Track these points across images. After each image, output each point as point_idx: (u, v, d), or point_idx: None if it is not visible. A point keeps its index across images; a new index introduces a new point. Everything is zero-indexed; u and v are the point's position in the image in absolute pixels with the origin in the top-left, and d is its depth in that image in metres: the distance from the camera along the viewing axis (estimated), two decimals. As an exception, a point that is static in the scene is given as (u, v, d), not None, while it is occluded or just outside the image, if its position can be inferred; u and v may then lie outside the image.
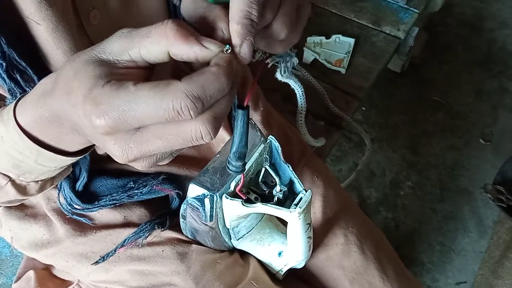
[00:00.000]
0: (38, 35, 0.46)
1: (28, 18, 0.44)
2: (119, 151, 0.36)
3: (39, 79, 0.44)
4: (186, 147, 0.39)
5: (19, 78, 0.46)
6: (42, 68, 0.48)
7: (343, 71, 1.23)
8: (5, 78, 0.46)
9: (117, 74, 0.35)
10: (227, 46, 0.37)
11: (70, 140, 0.42)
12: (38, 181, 0.48)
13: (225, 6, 0.40)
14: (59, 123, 0.39)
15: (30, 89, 0.44)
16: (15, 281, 0.81)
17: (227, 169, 0.45)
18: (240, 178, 0.57)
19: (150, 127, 0.35)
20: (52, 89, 0.38)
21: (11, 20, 0.44)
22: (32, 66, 0.46)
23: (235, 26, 0.38)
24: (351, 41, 1.28)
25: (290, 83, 0.71)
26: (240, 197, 0.57)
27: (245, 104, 0.42)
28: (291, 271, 0.71)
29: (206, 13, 0.41)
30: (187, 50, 0.35)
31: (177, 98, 0.33)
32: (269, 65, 0.49)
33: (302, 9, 0.43)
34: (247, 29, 0.38)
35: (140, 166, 0.39)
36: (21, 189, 0.48)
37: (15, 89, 0.46)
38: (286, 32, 0.42)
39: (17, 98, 0.43)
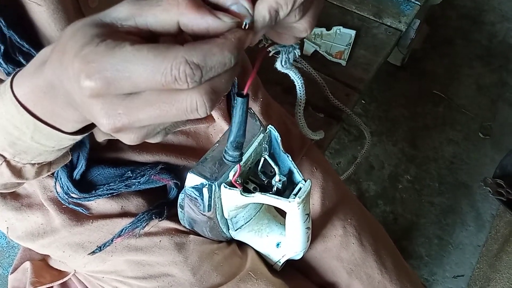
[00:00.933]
0: (39, 17, 0.45)
1: (27, 0, 0.44)
2: (106, 117, 0.33)
3: None
4: (182, 126, 0.36)
5: (22, 60, 0.45)
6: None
7: (343, 63, 1.23)
8: (1, 62, 0.45)
9: (116, 35, 0.32)
10: (246, 21, 0.35)
11: (65, 116, 0.39)
12: (35, 164, 0.46)
13: None
14: (53, 94, 0.37)
15: None
16: (12, 272, 0.81)
17: (224, 159, 0.44)
18: (231, 168, 0.56)
19: (143, 93, 0.33)
20: (48, 57, 0.35)
21: (10, 4, 0.44)
22: (35, 48, 0.45)
23: (261, 10, 0.35)
24: (352, 33, 1.27)
25: (290, 74, 0.70)
26: (238, 187, 0.57)
27: (245, 92, 0.41)
28: (289, 262, 0.70)
29: None
30: (199, 20, 0.32)
31: (177, 62, 0.30)
32: (270, 54, 0.48)
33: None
34: (270, 20, 0.35)
35: (128, 139, 0.36)
36: (16, 171, 0.46)
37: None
38: (309, 32, 0.40)
39: (15, 71, 0.41)
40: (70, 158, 0.53)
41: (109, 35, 0.32)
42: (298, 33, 0.41)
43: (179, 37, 0.34)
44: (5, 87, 0.40)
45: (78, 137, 0.43)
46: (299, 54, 0.52)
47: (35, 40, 0.47)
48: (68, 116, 0.39)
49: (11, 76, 0.40)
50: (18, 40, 0.44)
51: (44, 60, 0.36)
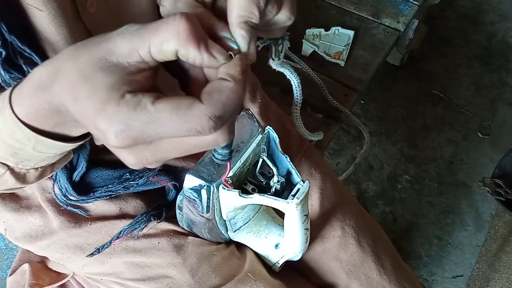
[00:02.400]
0: (40, 22, 0.45)
1: (28, 5, 0.44)
2: (134, 160, 0.36)
3: None
4: None
5: (23, 65, 0.45)
6: (45, 55, 0.47)
7: (342, 63, 1.23)
8: (0, 69, 0.45)
9: (130, 83, 0.34)
10: (235, 49, 0.37)
11: (75, 126, 0.41)
12: (38, 168, 0.47)
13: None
14: (61, 114, 0.38)
15: None
16: (10, 274, 0.81)
17: (213, 157, 0.44)
18: (236, 170, 0.56)
19: (168, 139, 0.35)
20: (51, 85, 0.36)
21: (11, 9, 0.44)
22: (36, 53, 0.46)
23: (238, 31, 0.37)
24: (351, 33, 1.27)
25: (285, 73, 0.70)
26: (228, 187, 0.56)
27: None
28: (288, 263, 0.70)
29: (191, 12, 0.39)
30: (196, 55, 0.34)
31: (201, 121, 0.33)
32: (259, 48, 0.48)
33: None
34: (250, 32, 0.37)
35: (152, 167, 0.39)
36: (20, 177, 0.47)
37: (10, 82, 0.45)
38: (293, 19, 0.42)
39: (11, 86, 0.41)
40: (71, 157, 0.53)
41: (124, 84, 0.34)
42: (283, 23, 0.42)
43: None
44: (3, 102, 0.40)
45: (81, 142, 0.44)
46: (289, 45, 0.51)
47: (36, 45, 0.47)
48: (78, 129, 0.41)
49: (8, 92, 0.40)
50: (20, 45, 0.44)
51: (42, 85, 0.37)
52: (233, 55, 0.36)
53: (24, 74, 0.45)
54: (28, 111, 0.39)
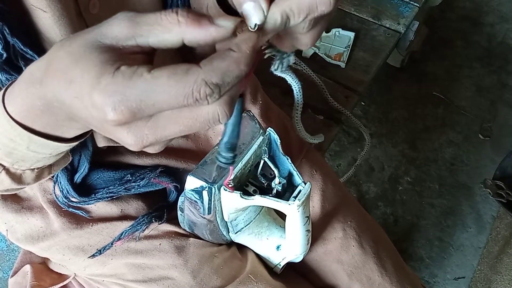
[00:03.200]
0: (44, 23, 0.45)
1: (33, 6, 0.44)
2: (133, 140, 0.35)
3: None
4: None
5: (23, 66, 0.45)
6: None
7: (342, 65, 1.23)
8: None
9: (125, 58, 0.33)
10: (257, 22, 0.35)
11: (67, 126, 0.40)
12: (34, 169, 0.47)
13: None
14: (53, 111, 0.37)
15: None
16: (12, 276, 0.81)
17: (217, 161, 0.44)
18: (238, 172, 0.56)
19: (165, 112, 0.34)
20: (42, 77, 0.35)
21: (14, 11, 0.44)
22: (39, 55, 0.45)
23: (275, 14, 0.36)
24: (351, 35, 1.27)
25: (286, 78, 0.70)
26: (229, 190, 0.56)
27: (241, 91, 0.41)
28: (289, 265, 0.70)
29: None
30: (203, 34, 0.33)
31: (197, 86, 0.32)
32: (265, 56, 0.48)
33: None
34: (282, 23, 0.36)
35: (153, 150, 0.38)
36: (16, 178, 0.47)
37: (6, 83, 0.45)
38: (308, 48, 0.42)
39: (5, 86, 0.41)
40: (70, 159, 0.53)
41: (119, 60, 0.33)
42: (299, 44, 0.41)
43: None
44: None
45: (75, 143, 0.43)
46: (294, 61, 0.51)
47: (38, 46, 0.47)
48: (71, 126, 0.40)
49: (1, 91, 0.40)
50: (22, 47, 0.44)
51: (33, 79, 0.36)
52: (249, 27, 0.34)
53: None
54: (20, 108, 0.39)
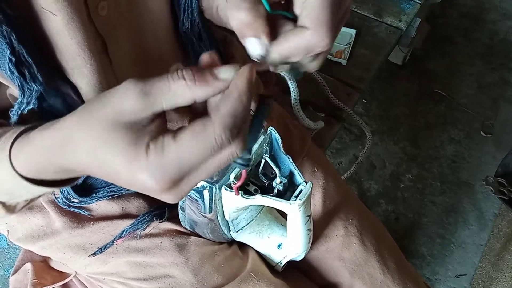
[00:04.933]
0: (53, 27, 0.45)
1: (43, 9, 0.44)
2: (175, 198, 0.38)
3: (42, 76, 0.45)
4: None
5: (26, 73, 0.46)
6: (47, 64, 0.47)
7: (344, 62, 1.22)
8: (14, 71, 0.45)
9: (148, 132, 0.36)
10: (258, 57, 0.39)
11: (75, 175, 0.43)
12: (28, 199, 0.50)
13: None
14: (69, 173, 0.41)
15: (35, 85, 0.45)
16: (13, 274, 0.81)
17: (234, 162, 0.44)
18: (239, 171, 0.56)
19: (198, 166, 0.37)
20: (63, 153, 0.38)
21: (23, 15, 0.44)
22: (37, 63, 0.46)
23: (274, 55, 0.40)
24: (352, 32, 1.26)
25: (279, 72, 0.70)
26: (237, 192, 0.56)
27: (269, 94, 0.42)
28: (291, 263, 0.70)
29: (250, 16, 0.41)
30: (211, 90, 0.36)
31: (218, 135, 0.35)
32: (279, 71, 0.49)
33: None
34: (281, 61, 0.41)
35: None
36: (11, 209, 0.50)
37: (24, 83, 0.46)
38: (313, 71, 0.46)
39: (10, 139, 0.42)
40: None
41: (144, 136, 0.36)
42: (304, 67, 0.45)
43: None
44: (3, 154, 0.42)
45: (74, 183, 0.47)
46: (302, 76, 0.52)
47: (42, 53, 0.47)
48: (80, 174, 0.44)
49: (8, 145, 0.42)
50: (25, 54, 0.44)
51: (51, 151, 0.39)
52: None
53: (26, 80, 0.46)
54: (30, 168, 0.41)
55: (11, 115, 0.47)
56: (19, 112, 0.47)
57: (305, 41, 0.40)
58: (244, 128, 0.37)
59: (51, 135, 0.39)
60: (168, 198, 0.38)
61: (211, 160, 0.37)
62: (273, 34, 0.41)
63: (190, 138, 0.35)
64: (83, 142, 0.37)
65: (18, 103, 0.47)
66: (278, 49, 0.40)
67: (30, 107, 0.47)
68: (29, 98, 0.46)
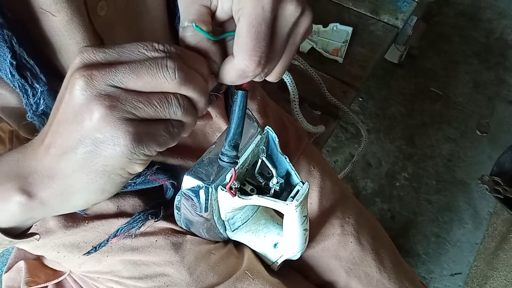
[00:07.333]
0: (52, 27, 0.45)
1: (42, 9, 0.43)
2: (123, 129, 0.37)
3: (45, 76, 0.45)
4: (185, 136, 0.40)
5: (28, 75, 0.46)
6: (47, 65, 0.47)
7: (340, 60, 1.22)
8: (15, 75, 0.45)
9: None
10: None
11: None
12: None
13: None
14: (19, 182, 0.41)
15: (38, 86, 0.45)
16: (6, 271, 0.80)
17: (220, 160, 0.44)
18: (231, 174, 0.55)
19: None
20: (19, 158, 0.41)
21: (21, 15, 0.43)
22: (38, 64, 0.46)
23: (224, 72, 0.42)
24: (349, 29, 1.26)
25: None
26: (231, 195, 0.56)
27: (244, 85, 0.42)
28: (287, 262, 0.70)
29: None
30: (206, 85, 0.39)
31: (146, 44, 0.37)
32: None
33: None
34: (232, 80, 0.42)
35: (150, 152, 0.39)
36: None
37: (26, 86, 0.46)
38: (277, 80, 0.46)
39: None
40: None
41: None
42: (268, 78, 0.46)
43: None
44: None
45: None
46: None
47: (42, 54, 0.47)
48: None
49: None
50: (26, 57, 0.44)
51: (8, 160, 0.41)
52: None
53: (27, 82, 0.46)
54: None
55: (29, 119, 0.48)
56: (33, 114, 0.48)
57: (234, 69, 0.40)
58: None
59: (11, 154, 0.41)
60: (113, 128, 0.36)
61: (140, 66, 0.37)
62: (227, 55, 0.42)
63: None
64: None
65: (25, 105, 0.47)
66: (228, 66, 0.41)
67: (42, 107, 0.47)
68: (37, 99, 0.46)
